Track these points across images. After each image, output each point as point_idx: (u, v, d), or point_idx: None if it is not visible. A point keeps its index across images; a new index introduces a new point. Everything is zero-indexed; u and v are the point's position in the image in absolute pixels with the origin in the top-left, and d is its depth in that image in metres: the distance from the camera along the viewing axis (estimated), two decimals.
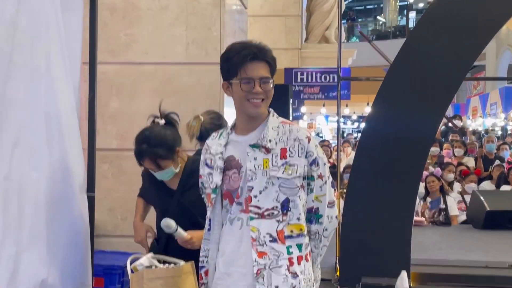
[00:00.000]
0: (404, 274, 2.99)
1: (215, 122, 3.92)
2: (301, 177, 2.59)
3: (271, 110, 2.69)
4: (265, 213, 2.55)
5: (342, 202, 4.36)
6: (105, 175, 4.17)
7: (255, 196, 2.56)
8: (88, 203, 3.56)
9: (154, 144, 3.32)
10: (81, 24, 3.58)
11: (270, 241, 2.54)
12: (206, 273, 2.73)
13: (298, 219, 2.59)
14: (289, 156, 2.57)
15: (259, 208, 2.55)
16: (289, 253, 2.55)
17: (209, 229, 2.74)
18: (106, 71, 4.88)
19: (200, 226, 3.03)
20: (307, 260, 2.62)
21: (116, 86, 4.93)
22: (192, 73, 4.92)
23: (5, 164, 2.69)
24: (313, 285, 2.66)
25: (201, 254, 2.76)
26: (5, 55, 2.71)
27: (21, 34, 2.82)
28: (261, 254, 2.53)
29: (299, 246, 2.59)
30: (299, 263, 2.57)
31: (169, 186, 3.50)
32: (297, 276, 2.54)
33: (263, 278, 2.51)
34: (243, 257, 2.57)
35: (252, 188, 2.56)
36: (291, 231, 2.58)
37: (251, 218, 2.55)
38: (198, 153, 3.87)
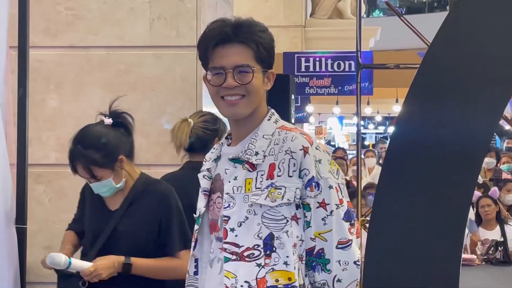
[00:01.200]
0: None
1: (209, 127, 3.99)
2: (292, 204, 2.47)
3: (271, 111, 2.61)
4: (245, 254, 2.44)
5: (365, 234, 4.26)
6: (41, 201, 4.07)
7: (233, 230, 2.46)
8: (18, 238, 3.50)
9: (89, 146, 3.37)
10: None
11: None
12: None
13: (286, 263, 2.44)
14: (277, 175, 2.45)
15: (237, 246, 2.45)
16: None
17: (195, 272, 2.69)
18: (42, 59, 4.82)
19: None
20: None
21: (56, 78, 4.82)
22: (158, 60, 4.83)
23: None
24: None
25: None
26: None
27: None
28: None
29: None
30: None
31: (108, 207, 3.49)
32: None
33: None
34: None
35: (229, 218, 2.48)
36: (276, 280, 2.44)
37: (226, 260, 2.46)
38: (184, 168, 3.93)
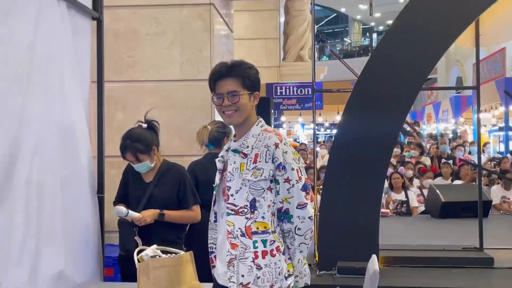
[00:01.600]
0: (374, 257, 2.99)
1: (220, 130, 4.06)
2: (268, 180, 2.52)
3: (259, 119, 2.63)
4: (239, 210, 2.50)
5: (319, 197, 4.35)
6: (113, 180, 4.12)
7: (232, 195, 2.53)
8: (99, 203, 3.58)
9: (135, 140, 3.45)
10: (89, 47, 3.58)
11: (240, 235, 2.50)
12: (215, 257, 2.70)
13: (263, 217, 2.51)
14: (259, 161, 2.51)
15: (235, 205, 2.52)
16: (254, 247, 2.50)
17: (215, 221, 2.72)
18: (113, 89, 4.86)
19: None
20: (272, 255, 2.52)
21: (122, 101, 4.91)
22: (187, 88, 4.91)
23: (26, 170, 2.67)
24: (285, 278, 2.53)
25: (209, 241, 2.74)
26: (24, 75, 2.69)
27: (38, 57, 2.81)
28: (233, 246, 2.50)
29: (264, 242, 2.51)
30: (263, 257, 2.50)
31: (144, 180, 3.58)
32: (261, 268, 2.49)
33: (233, 266, 2.49)
34: (223, 246, 2.56)
35: (230, 188, 2.54)
36: (257, 228, 2.51)
37: (228, 214, 2.53)
38: (206, 157, 4.08)
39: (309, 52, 12.57)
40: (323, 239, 4.22)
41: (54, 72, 2.98)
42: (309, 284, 2.64)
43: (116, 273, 4.17)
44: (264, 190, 2.51)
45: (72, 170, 3.17)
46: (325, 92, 6.61)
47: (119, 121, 4.64)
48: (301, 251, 2.59)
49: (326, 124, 16.99)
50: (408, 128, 12.87)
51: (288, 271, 2.56)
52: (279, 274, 2.51)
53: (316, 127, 5.07)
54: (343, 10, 30.97)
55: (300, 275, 2.62)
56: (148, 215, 3.40)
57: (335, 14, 33.61)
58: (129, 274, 3.26)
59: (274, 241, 2.53)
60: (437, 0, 4.20)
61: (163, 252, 3.02)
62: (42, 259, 2.79)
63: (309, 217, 2.53)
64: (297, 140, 16.03)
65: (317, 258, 4.24)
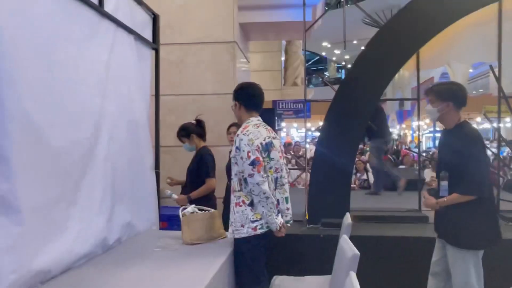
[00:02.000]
0: (347, 214, 2.84)
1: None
2: (234, 157, 2.50)
3: (250, 119, 2.61)
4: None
5: (309, 175, 4.21)
6: (166, 162, 4.03)
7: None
8: (156, 176, 3.44)
9: (181, 128, 3.74)
10: (150, 68, 3.46)
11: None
12: None
13: (234, 181, 2.53)
14: (233, 146, 2.53)
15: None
16: (233, 201, 2.53)
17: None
18: (167, 100, 4.70)
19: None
20: (239, 206, 2.48)
21: (172, 108, 4.77)
22: (217, 100, 4.76)
23: (104, 150, 2.54)
24: (251, 222, 2.45)
25: None
26: (102, 84, 2.56)
27: (112, 71, 2.69)
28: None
29: (235, 197, 2.51)
30: (235, 207, 2.50)
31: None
32: (234, 213, 2.51)
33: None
34: None
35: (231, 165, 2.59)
36: (233, 188, 2.54)
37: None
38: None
39: (301, 79, 12.57)
40: (312, 203, 4.09)
41: (124, 83, 2.86)
42: (278, 229, 2.50)
43: (169, 226, 4.07)
44: (234, 164, 2.52)
45: (136, 153, 3.04)
46: (313, 101, 6.44)
47: (170, 121, 4.46)
48: (262, 206, 2.45)
49: (313, 128, 16.78)
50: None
51: (256, 217, 2.47)
52: (246, 218, 2.47)
53: (307, 130, 4.96)
54: (323, 53, 30.74)
55: (269, 223, 2.48)
56: (181, 199, 3.50)
57: (318, 57, 33.42)
58: None
59: (240, 197, 2.49)
60: (385, 41, 4.04)
61: (200, 210, 2.90)
62: (115, 212, 2.67)
63: (256, 183, 2.41)
64: (295, 140, 15.86)
65: (307, 216, 4.09)
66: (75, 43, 2.27)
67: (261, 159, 2.46)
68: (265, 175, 2.47)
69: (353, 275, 1.60)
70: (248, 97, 2.65)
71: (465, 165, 2.40)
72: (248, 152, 2.44)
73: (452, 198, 2.47)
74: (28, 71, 1.86)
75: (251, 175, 2.42)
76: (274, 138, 2.61)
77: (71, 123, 2.18)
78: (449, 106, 2.57)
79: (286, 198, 2.67)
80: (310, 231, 3.84)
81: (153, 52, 3.52)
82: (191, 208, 2.84)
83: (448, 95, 2.58)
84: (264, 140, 2.53)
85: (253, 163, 2.42)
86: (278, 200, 2.62)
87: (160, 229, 3.57)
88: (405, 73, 9.70)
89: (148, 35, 3.39)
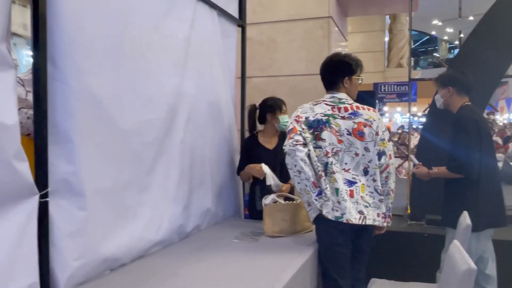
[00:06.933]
0: (465, 213, 2.37)
1: None
2: None
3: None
4: None
5: (412, 164, 3.72)
6: None
7: None
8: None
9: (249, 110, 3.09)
10: (235, 47, 3.24)
11: None
12: None
13: None
14: None
15: None
16: None
17: None
18: (257, 82, 4.57)
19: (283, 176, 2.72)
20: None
21: (263, 91, 4.49)
22: (309, 81, 4.40)
23: (181, 132, 2.39)
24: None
25: None
26: (181, 61, 2.40)
27: (193, 48, 2.52)
28: None
29: None
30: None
31: (267, 147, 2.93)
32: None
33: None
34: None
35: None
36: None
37: None
38: None
39: (406, 60, 11.64)
40: (415, 196, 3.60)
41: (204, 61, 2.67)
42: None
43: None
44: None
45: (218, 136, 2.87)
46: (419, 80, 5.77)
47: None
48: (298, 182, 2.12)
49: (419, 114, 15.39)
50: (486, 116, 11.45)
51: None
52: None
53: (411, 115, 4.42)
54: (433, 33, 28.29)
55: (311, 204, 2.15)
56: (286, 188, 2.73)
57: (427, 37, 30.91)
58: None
59: None
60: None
61: (286, 199, 2.64)
62: (194, 199, 2.53)
63: (287, 154, 2.12)
64: (398, 125, 14.76)
65: (409, 211, 3.62)
66: (150, 18, 2.12)
67: (298, 128, 2.11)
68: (299, 143, 2.08)
69: None
70: (321, 75, 2.35)
71: (455, 145, 2.52)
72: (290, 123, 2.17)
73: (442, 170, 2.60)
74: (93, 47, 1.73)
75: (285, 146, 2.12)
76: (344, 118, 2.17)
77: (143, 103, 2.04)
78: (450, 91, 2.71)
79: (337, 190, 2.12)
80: (412, 228, 3.39)
81: (239, 29, 3.31)
82: (273, 197, 2.59)
83: (448, 81, 2.72)
84: (314, 116, 2.15)
85: (288, 133, 2.15)
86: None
87: (246, 216, 3.41)
88: None
89: (234, 11, 3.18)
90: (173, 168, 2.31)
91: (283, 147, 2.14)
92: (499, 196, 2.65)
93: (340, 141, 2.15)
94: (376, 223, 2.16)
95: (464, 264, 1.53)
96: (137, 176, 2.00)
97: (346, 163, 2.15)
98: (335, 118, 2.17)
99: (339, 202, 2.10)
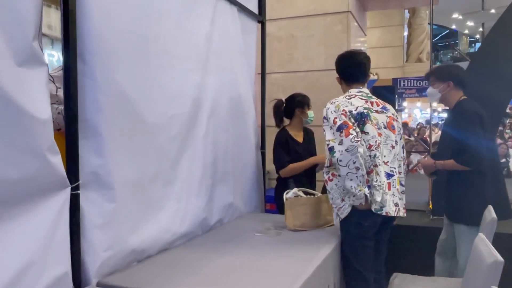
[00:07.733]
0: (490, 207, 2.34)
1: None
2: (323, 129, 2.19)
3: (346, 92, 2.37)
4: None
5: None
6: (272, 142, 3.86)
7: None
8: (262, 156, 3.27)
9: (275, 106, 3.17)
10: (255, 43, 3.26)
11: None
12: None
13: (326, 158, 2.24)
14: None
15: None
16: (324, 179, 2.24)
17: None
18: (277, 78, 4.58)
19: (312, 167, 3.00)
20: (330, 181, 2.19)
21: (282, 86, 4.56)
22: (329, 76, 4.38)
23: (203, 127, 2.42)
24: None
25: None
26: (203, 56, 2.43)
27: (214, 44, 2.55)
28: None
29: (325, 174, 2.23)
30: (327, 185, 2.22)
31: (298, 140, 3.09)
32: (329, 192, 2.22)
33: None
34: None
35: None
36: (325, 165, 2.24)
37: None
38: None
39: (426, 55, 11.43)
40: (436, 191, 3.55)
41: (226, 56, 2.70)
42: (357, 208, 2.15)
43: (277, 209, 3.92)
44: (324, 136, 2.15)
45: (240, 131, 2.90)
46: None
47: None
48: (351, 179, 2.04)
49: (439, 109, 15.12)
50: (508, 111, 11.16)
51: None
52: (343, 190, 2.13)
53: (432, 110, 4.37)
54: (453, 27, 27.76)
55: (355, 197, 2.09)
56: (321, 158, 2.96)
57: (447, 31, 30.36)
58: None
59: (329, 171, 2.19)
60: None
61: (305, 193, 2.66)
62: (216, 193, 2.56)
63: (345, 150, 2.03)
64: (417, 122, 14.59)
65: (430, 206, 3.59)
66: (172, 15, 2.16)
67: (350, 123, 2.09)
68: (358, 138, 2.06)
69: None
70: (343, 68, 2.35)
71: (463, 139, 2.48)
72: (335, 118, 2.10)
73: (449, 162, 2.56)
74: (119, 43, 1.77)
75: (340, 143, 2.05)
76: (378, 111, 2.20)
77: (168, 98, 2.08)
78: (449, 85, 2.67)
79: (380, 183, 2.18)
80: (434, 223, 3.36)
81: (259, 25, 3.33)
82: (294, 191, 2.61)
83: (449, 75, 2.68)
84: (356, 109, 2.15)
85: (339, 128, 2.06)
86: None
87: (268, 211, 3.43)
88: None
89: (254, 7, 3.20)
90: (197, 162, 2.35)
91: (328, 143, 2.10)
92: (503, 188, 2.68)
93: (379, 134, 2.17)
94: (404, 215, 2.23)
95: (490, 256, 1.52)
96: (163, 170, 2.05)
97: (385, 156, 2.18)
98: (371, 111, 2.19)
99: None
